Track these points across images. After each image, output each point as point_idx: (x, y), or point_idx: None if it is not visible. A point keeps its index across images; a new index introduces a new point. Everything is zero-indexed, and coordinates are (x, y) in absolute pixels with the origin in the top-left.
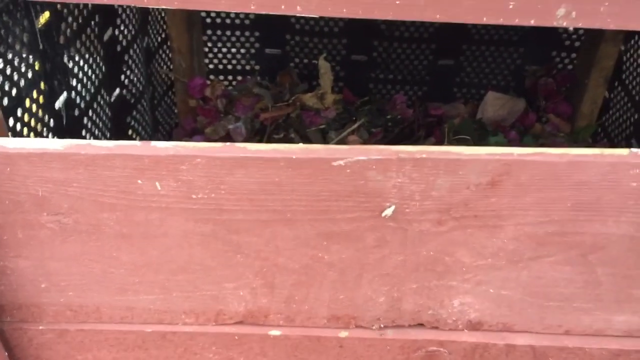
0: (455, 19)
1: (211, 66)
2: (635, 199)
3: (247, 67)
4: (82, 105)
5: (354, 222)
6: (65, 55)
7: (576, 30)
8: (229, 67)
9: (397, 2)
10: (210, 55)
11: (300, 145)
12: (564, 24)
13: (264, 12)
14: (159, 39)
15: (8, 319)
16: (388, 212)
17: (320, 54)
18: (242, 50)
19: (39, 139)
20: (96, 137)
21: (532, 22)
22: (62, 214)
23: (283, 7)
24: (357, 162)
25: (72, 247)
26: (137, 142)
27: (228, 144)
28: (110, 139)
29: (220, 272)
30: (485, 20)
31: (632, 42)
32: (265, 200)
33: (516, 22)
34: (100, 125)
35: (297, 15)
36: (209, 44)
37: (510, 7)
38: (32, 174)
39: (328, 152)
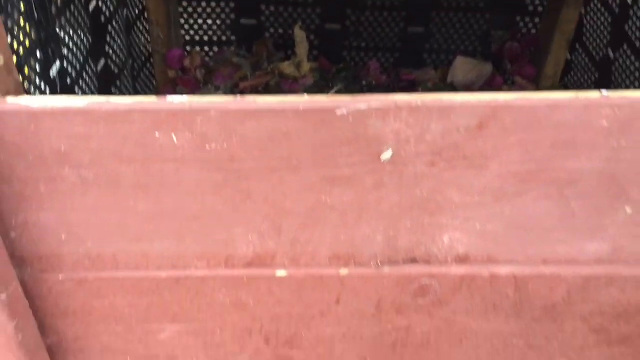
0: None
1: (187, 38)
2: (605, 137)
3: (224, 38)
4: (74, 74)
5: (354, 167)
6: (57, 25)
7: None
8: (205, 38)
9: None
10: (187, 26)
11: (305, 96)
12: None
13: None
14: (137, 11)
15: (29, 270)
16: (386, 155)
17: (295, 24)
18: (218, 22)
19: (61, 97)
20: None
21: None
22: (83, 167)
23: None
24: (358, 110)
25: (92, 199)
26: (154, 97)
27: (239, 97)
28: None
29: (230, 218)
30: None
31: (592, 5)
32: (274, 148)
33: None
34: (89, 94)
35: None
36: (185, 16)
37: None
38: (55, 130)
39: (332, 103)
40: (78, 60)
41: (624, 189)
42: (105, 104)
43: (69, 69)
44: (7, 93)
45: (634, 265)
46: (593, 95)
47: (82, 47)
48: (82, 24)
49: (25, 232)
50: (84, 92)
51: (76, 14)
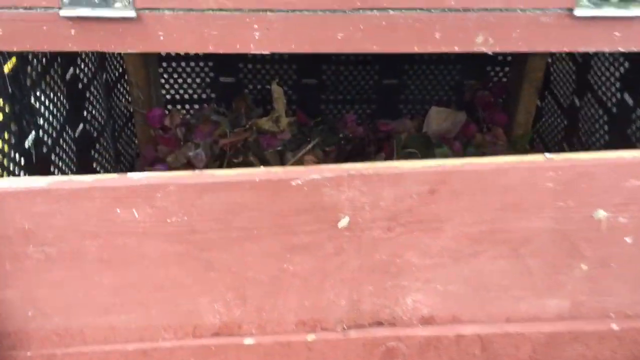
0: (390, 50)
1: (168, 96)
2: (552, 197)
3: (203, 96)
4: (50, 142)
5: (313, 234)
6: (32, 97)
7: None
8: (186, 96)
9: (339, 37)
10: (167, 86)
11: (261, 168)
12: (483, 49)
13: (221, 52)
14: (117, 73)
15: None
16: (343, 223)
17: (272, 80)
18: (198, 80)
19: (24, 178)
20: (63, 172)
21: (456, 49)
22: (47, 244)
23: (238, 46)
24: (312, 180)
25: (57, 274)
26: (114, 175)
27: (197, 171)
28: (76, 172)
29: (195, 288)
30: (416, 50)
31: (557, 54)
32: (233, 219)
33: (442, 49)
34: (67, 160)
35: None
36: (165, 75)
37: (437, 37)
38: (18, 210)
39: (286, 174)
40: (54, 127)
41: (577, 247)
42: (66, 182)
43: (45, 137)
44: None
45: (595, 321)
46: (537, 158)
47: (58, 115)
48: (59, 92)
49: None
50: (61, 159)
51: (52, 83)
